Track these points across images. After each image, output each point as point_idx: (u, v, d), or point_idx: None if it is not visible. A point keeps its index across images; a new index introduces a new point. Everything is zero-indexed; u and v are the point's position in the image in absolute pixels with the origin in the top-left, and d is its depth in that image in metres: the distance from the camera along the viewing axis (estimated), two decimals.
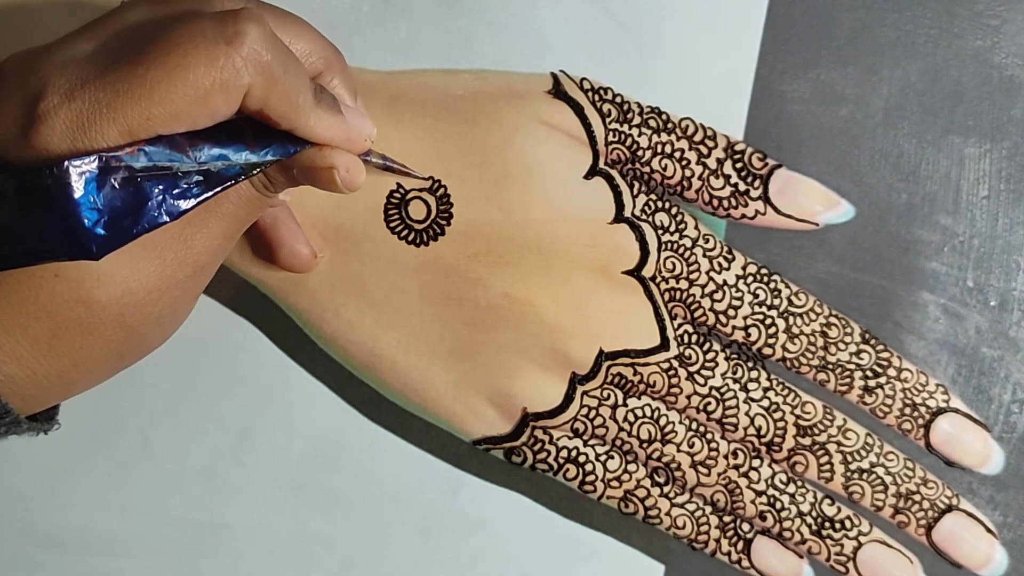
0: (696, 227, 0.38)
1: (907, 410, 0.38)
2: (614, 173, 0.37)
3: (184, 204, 0.27)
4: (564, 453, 0.37)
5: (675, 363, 0.37)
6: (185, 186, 0.27)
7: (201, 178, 0.27)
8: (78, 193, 0.25)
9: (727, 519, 0.38)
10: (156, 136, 0.26)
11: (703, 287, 0.38)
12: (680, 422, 0.37)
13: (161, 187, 0.26)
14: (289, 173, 0.30)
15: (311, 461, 0.39)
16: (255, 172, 0.28)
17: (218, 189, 0.27)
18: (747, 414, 0.38)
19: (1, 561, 0.38)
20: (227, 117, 0.27)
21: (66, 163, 0.25)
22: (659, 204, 0.38)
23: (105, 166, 0.25)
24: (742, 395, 0.38)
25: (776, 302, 0.38)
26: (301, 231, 0.35)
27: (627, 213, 0.37)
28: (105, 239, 0.26)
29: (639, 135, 0.37)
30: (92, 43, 0.27)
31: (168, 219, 0.26)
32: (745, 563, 0.38)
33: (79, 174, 0.25)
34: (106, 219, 0.26)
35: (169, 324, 0.30)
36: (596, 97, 0.37)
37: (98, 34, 0.27)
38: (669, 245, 0.37)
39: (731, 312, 0.38)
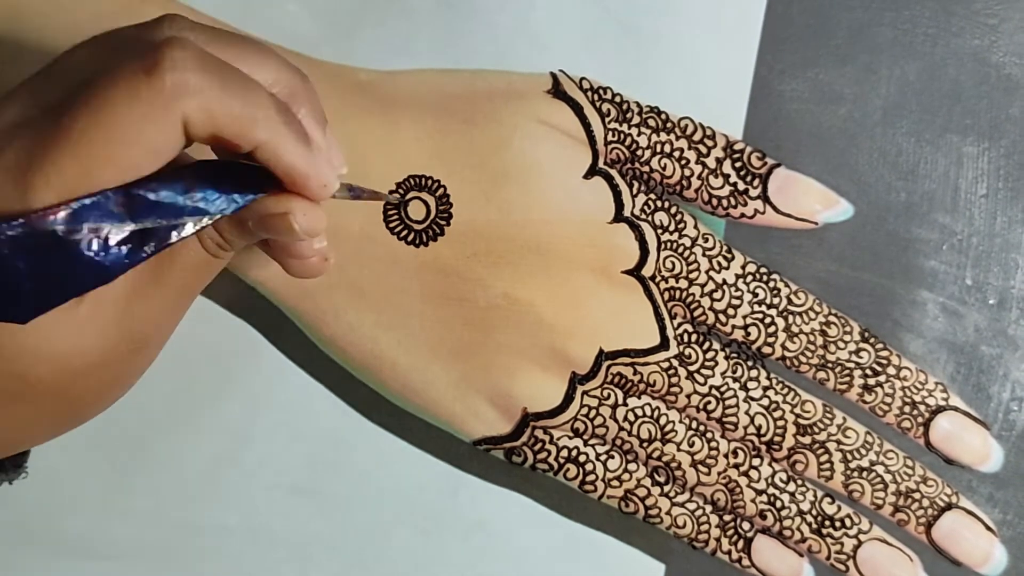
0: (695, 226, 0.38)
1: (906, 408, 0.38)
2: (613, 173, 0.37)
3: (118, 266, 0.25)
4: (564, 453, 0.37)
5: (675, 362, 0.37)
6: (119, 247, 0.25)
7: (138, 238, 0.25)
8: (2, 258, 0.24)
9: (727, 518, 0.38)
10: (99, 191, 0.24)
11: (703, 286, 0.38)
12: (680, 421, 0.37)
13: (92, 248, 0.25)
14: (244, 227, 0.28)
15: (311, 462, 0.39)
16: (198, 228, 0.26)
17: (156, 249, 0.25)
18: (747, 413, 0.38)
19: (1, 565, 0.38)
20: (174, 153, 0.25)
21: None
22: (658, 203, 0.38)
23: (31, 230, 0.24)
24: (742, 394, 0.38)
25: (775, 301, 0.38)
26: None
27: (627, 212, 0.37)
28: (30, 304, 0.24)
29: (638, 135, 0.37)
30: (34, 98, 0.25)
31: (100, 283, 0.25)
32: (745, 562, 0.38)
33: (4, 238, 0.24)
34: (32, 284, 0.24)
35: (115, 392, 0.29)
36: (595, 97, 0.37)
37: (39, 87, 0.26)
38: (669, 244, 0.37)
39: (730, 311, 0.38)
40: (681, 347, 0.37)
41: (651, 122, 0.38)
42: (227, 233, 0.28)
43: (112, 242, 0.25)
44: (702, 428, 0.38)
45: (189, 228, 0.26)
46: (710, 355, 0.38)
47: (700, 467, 0.37)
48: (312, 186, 0.27)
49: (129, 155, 0.24)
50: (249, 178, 0.27)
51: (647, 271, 0.37)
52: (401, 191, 0.36)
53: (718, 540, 0.38)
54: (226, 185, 0.26)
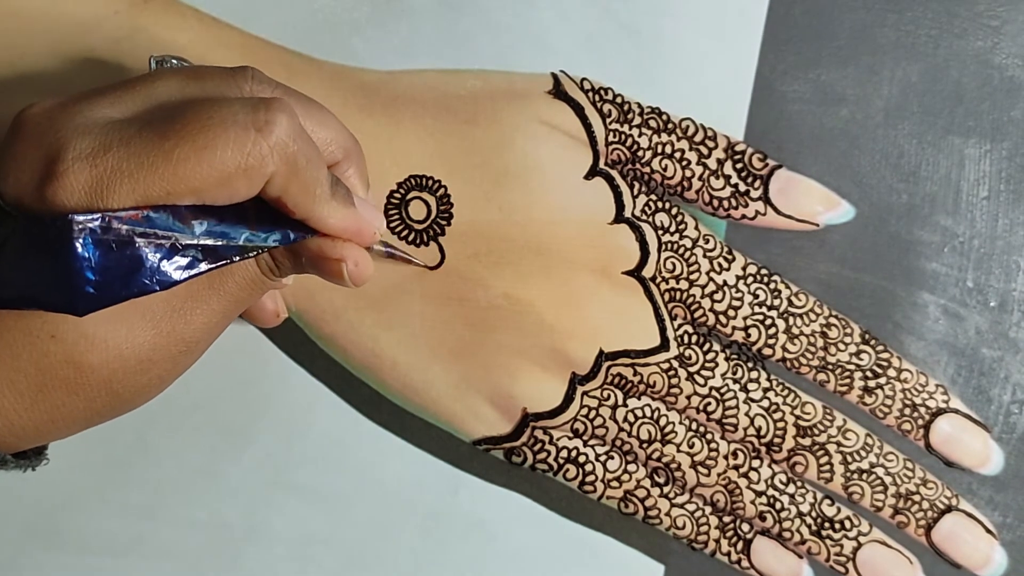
0: (696, 227, 0.38)
1: (907, 410, 0.38)
2: (614, 173, 0.37)
3: (177, 275, 0.27)
4: (564, 453, 0.37)
5: (675, 363, 0.37)
6: (181, 258, 0.27)
7: (199, 253, 0.27)
8: (75, 248, 0.25)
9: (727, 519, 0.38)
10: (171, 204, 0.26)
11: (703, 287, 0.38)
12: (680, 422, 0.37)
13: (157, 255, 0.26)
14: (297, 260, 0.30)
15: (311, 461, 0.39)
16: (254, 254, 0.28)
17: (213, 266, 0.27)
18: (747, 414, 0.38)
19: (1, 561, 0.38)
20: (244, 200, 0.27)
21: (69, 216, 0.25)
22: (659, 204, 0.38)
23: (106, 225, 0.25)
24: (742, 395, 0.38)
25: (776, 303, 0.38)
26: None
27: (627, 213, 0.37)
28: (92, 297, 0.26)
29: (639, 135, 0.37)
30: (118, 108, 0.27)
31: (158, 288, 0.26)
32: (745, 563, 0.38)
33: (79, 230, 0.25)
34: (97, 278, 0.26)
35: (155, 392, 0.30)
36: (596, 97, 0.37)
37: (124, 99, 0.27)
38: (669, 245, 0.37)
39: (731, 312, 0.38)
40: (681, 348, 0.37)
41: (652, 123, 0.38)
42: (281, 261, 0.30)
43: (177, 252, 0.27)
44: (702, 429, 0.38)
45: (246, 254, 0.28)
46: (710, 356, 0.38)
47: (700, 468, 0.37)
48: (363, 238, 0.30)
49: (213, 193, 0.26)
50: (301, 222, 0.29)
51: (648, 272, 0.37)
52: (402, 191, 0.36)
53: (717, 541, 0.38)
54: (283, 223, 0.28)
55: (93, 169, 0.26)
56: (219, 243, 0.27)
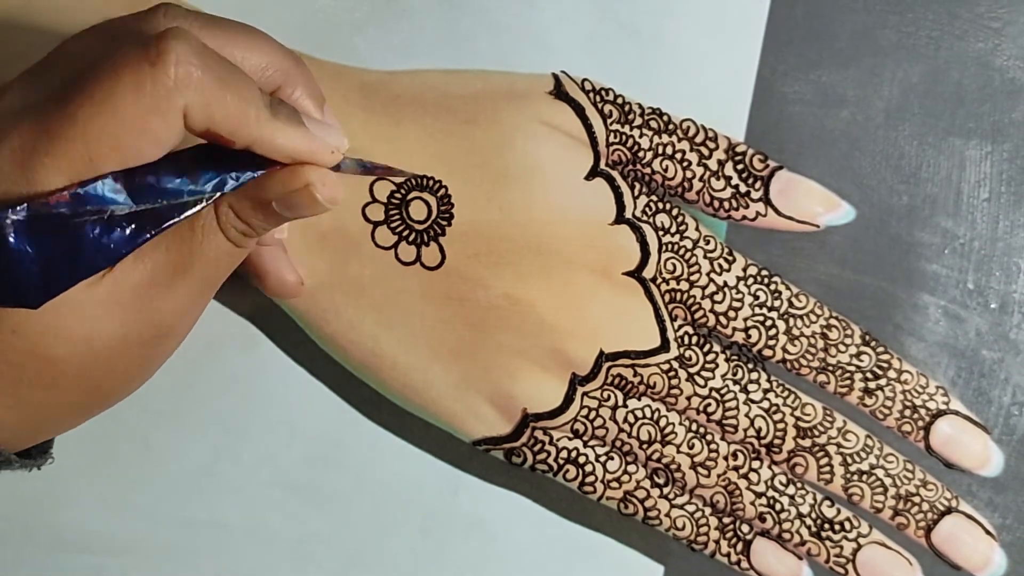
0: (697, 228, 0.38)
1: (907, 412, 0.38)
2: (615, 174, 0.37)
3: (124, 248, 0.26)
4: (564, 454, 0.37)
5: (675, 364, 0.37)
6: (123, 230, 0.26)
7: (140, 220, 0.26)
8: (8, 244, 0.25)
9: (726, 520, 0.38)
10: (98, 176, 0.25)
11: (704, 288, 0.38)
12: (680, 423, 0.37)
13: (96, 231, 0.25)
14: (268, 210, 0.28)
15: (311, 461, 0.39)
16: (201, 206, 0.27)
17: (160, 229, 0.26)
18: (747, 415, 0.38)
19: (1, 560, 0.38)
20: (176, 142, 0.26)
21: None
22: (660, 205, 0.38)
23: (34, 214, 0.25)
24: (742, 396, 0.38)
25: (776, 304, 0.38)
26: (287, 258, 0.34)
27: (628, 214, 0.37)
28: (40, 288, 0.25)
29: (640, 136, 0.37)
30: (35, 86, 0.26)
31: (107, 264, 0.26)
32: (744, 564, 0.38)
33: (7, 225, 0.24)
34: (40, 268, 0.25)
35: (138, 379, 0.29)
36: (597, 98, 0.37)
37: (40, 74, 0.26)
38: (670, 246, 0.37)
39: (731, 313, 0.38)
40: (682, 349, 0.37)
41: (653, 124, 0.38)
42: (251, 219, 0.28)
43: (116, 223, 0.26)
44: (702, 430, 0.38)
45: (191, 209, 0.27)
46: (710, 357, 0.38)
47: (700, 469, 0.37)
48: (320, 157, 0.28)
49: (133, 144, 0.25)
50: (249, 157, 0.27)
51: (648, 273, 0.37)
52: (403, 191, 0.36)
53: (717, 542, 0.38)
54: (226, 166, 0.27)
55: (13, 154, 0.25)
56: (159, 204, 0.26)
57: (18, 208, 0.24)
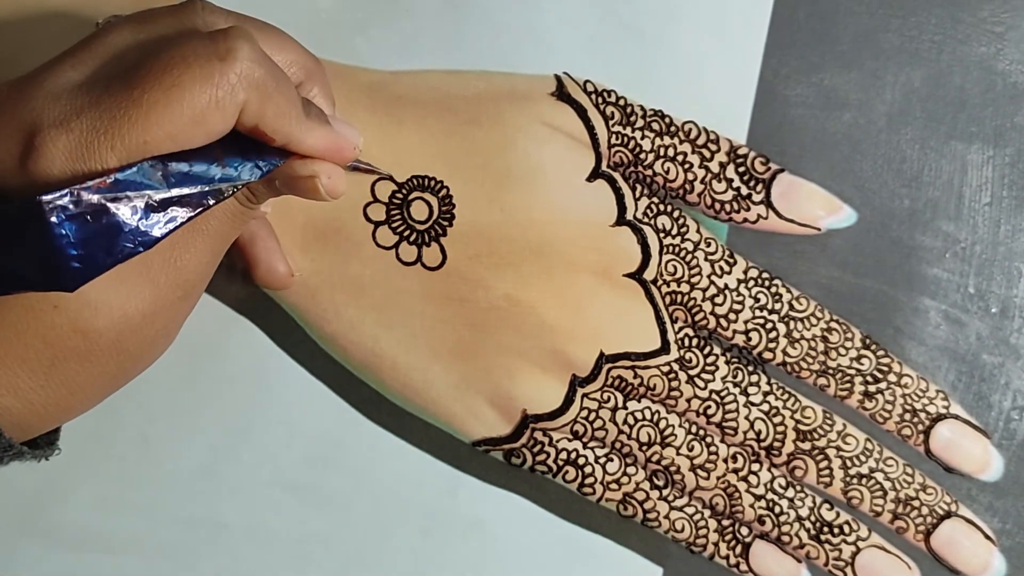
0: (698, 230, 0.38)
1: (907, 416, 0.38)
2: (616, 176, 0.37)
3: (158, 232, 0.27)
4: (563, 455, 0.37)
5: (675, 366, 0.37)
6: (159, 214, 0.27)
7: (176, 205, 0.27)
8: (51, 228, 0.25)
9: (726, 523, 0.38)
10: (138, 162, 0.26)
11: (704, 291, 0.38)
12: (680, 425, 0.37)
13: (135, 217, 0.26)
14: (271, 185, 0.30)
15: (311, 461, 0.39)
16: (231, 193, 0.28)
17: (193, 214, 0.27)
18: (747, 418, 0.38)
19: (0, 557, 0.38)
20: (222, 135, 0.27)
21: (37, 199, 0.25)
22: (661, 207, 0.38)
23: (76, 199, 0.25)
24: (742, 399, 0.38)
25: (777, 306, 0.38)
26: (278, 248, 0.35)
27: (629, 216, 0.37)
28: (78, 272, 0.26)
29: (642, 138, 0.37)
30: (80, 70, 0.27)
31: (143, 249, 0.26)
32: (743, 567, 0.38)
33: (51, 209, 0.25)
34: (80, 252, 0.26)
35: (163, 344, 0.30)
36: (599, 100, 0.37)
37: (84, 60, 0.27)
38: (671, 248, 0.37)
39: (732, 316, 0.38)
40: (682, 351, 0.37)
41: (655, 125, 0.38)
42: (256, 190, 0.30)
43: (152, 209, 0.26)
44: (702, 432, 0.38)
45: (221, 194, 0.28)
46: (711, 359, 0.38)
47: (699, 471, 0.37)
48: (343, 155, 0.30)
49: (189, 133, 0.26)
50: (272, 147, 0.29)
51: (649, 274, 0.37)
52: (404, 191, 0.36)
53: (716, 544, 0.38)
54: (252, 154, 0.28)
55: (70, 134, 0.25)
56: (194, 190, 0.27)
57: (61, 193, 0.25)
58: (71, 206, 0.25)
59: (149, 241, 0.26)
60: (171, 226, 0.27)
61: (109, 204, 0.26)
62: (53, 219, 0.25)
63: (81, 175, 0.26)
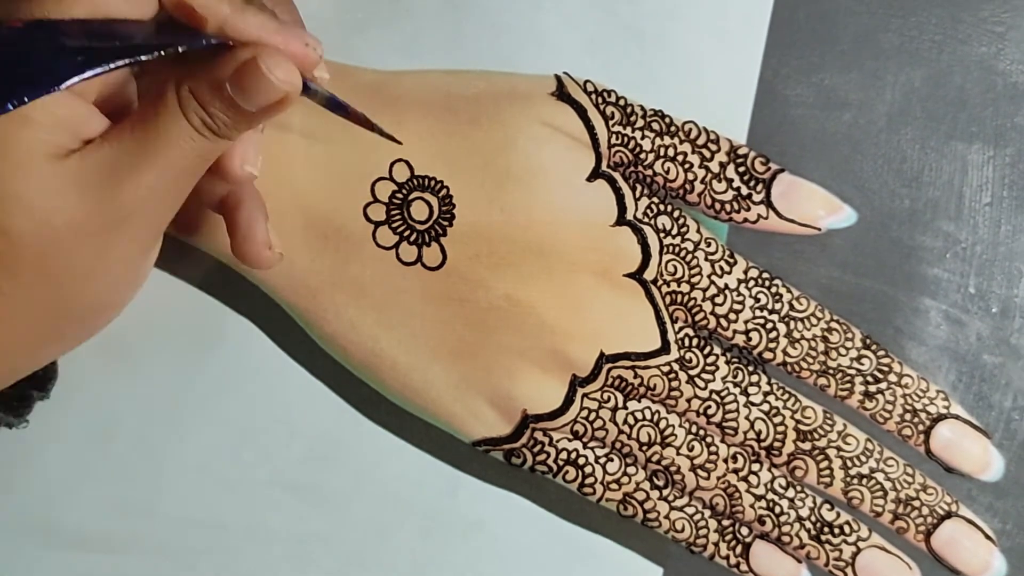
0: (698, 230, 0.38)
1: (907, 416, 0.38)
2: (617, 176, 0.37)
3: (72, 73, 0.25)
4: (564, 455, 0.37)
5: (675, 366, 0.37)
6: (74, 58, 0.26)
7: (92, 54, 0.26)
8: None
9: (726, 523, 0.38)
10: (61, 19, 0.26)
11: (704, 291, 0.38)
12: (680, 425, 0.37)
13: (46, 55, 0.25)
14: (224, 95, 0.27)
15: (310, 461, 0.39)
16: (155, 54, 0.26)
17: (113, 65, 0.26)
18: (747, 418, 0.38)
19: (0, 557, 0.38)
20: (147, 13, 0.26)
21: None
22: (661, 207, 0.38)
23: None
24: (742, 399, 0.38)
25: (777, 306, 0.38)
26: (263, 220, 0.32)
27: (629, 216, 0.37)
28: None
29: (642, 138, 0.37)
30: None
31: (53, 85, 0.25)
32: (744, 567, 0.38)
33: None
34: None
35: (101, 287, 0.29)
36: (599, 100, 0.37)
37: None
38: (671, 248, 0.37)
39: (732, 316, 0.38)
40: (682, 351, 0.37)
41: (655, 125, 0.38)
42: (210, 105, 0.28)
43: (67, 53, 0.26)
44: (702, 432, 0.38)
45: (142, 53, 0.26)
46: (711, 360, 0.38)
47: (699, 471, 0.37)
48: (293, 47, 0.28)
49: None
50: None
51: (649, 274, 0.37)
52: (404, 191, 0.36)
53: (716, 545, 0.38)
54: (185, 39, 0.27)
55: None
56: (115, 45, 0.26)
57: None
58: None
59: (60, 78, 0.25)
60: (84, 71, 0.26)
61: (21, 40, 0.25)
62: None
63: None
